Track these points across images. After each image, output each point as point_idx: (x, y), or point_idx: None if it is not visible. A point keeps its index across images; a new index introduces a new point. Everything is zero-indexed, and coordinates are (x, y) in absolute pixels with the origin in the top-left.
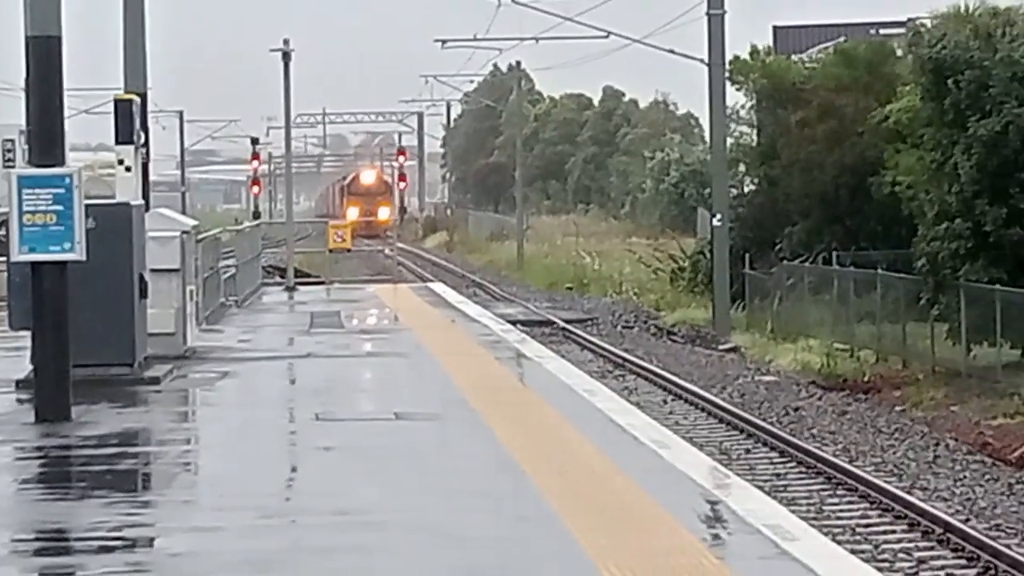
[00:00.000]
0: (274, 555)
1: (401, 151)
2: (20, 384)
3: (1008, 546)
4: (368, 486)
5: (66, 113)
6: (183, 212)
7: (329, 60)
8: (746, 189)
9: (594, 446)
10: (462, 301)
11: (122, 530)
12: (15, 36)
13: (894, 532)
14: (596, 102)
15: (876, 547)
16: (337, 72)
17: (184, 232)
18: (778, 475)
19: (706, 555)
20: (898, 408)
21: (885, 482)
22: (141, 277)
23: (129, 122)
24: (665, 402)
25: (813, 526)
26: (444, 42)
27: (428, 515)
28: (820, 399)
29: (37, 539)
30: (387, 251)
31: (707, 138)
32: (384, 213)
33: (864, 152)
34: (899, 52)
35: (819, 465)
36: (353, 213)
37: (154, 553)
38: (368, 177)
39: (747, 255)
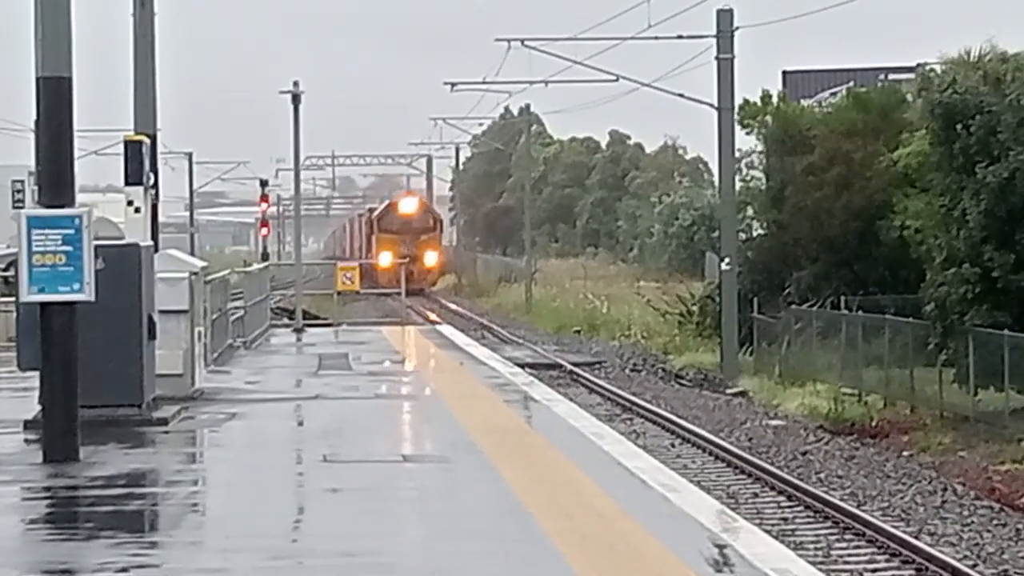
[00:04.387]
0: None
1: (410, 193)
2: (28, 424)
3: None
4: (376, 528)
5: (76, 154)
6: (191, 253)
7: (338, 102)
8: (755, 233)
9: (601, 489)
10: (470, 344)
11: (129, 571)
12: (26, 77)
13: None
14: (603, 145)
15: None
16: (346, 114)
17: (193, 273)
18: (786, 519)
19: None
20: (906, 453)
21: (893, 527)
22: (150, 318)
23: (139, 163)
24: (673, 446)
25: (821, 570)
26: (454, 85)
27: (435, 557)
28: (828, 443)
29: None
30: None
31: (716, 182)
32: (431, 258)
33: (872, 197)
34: (909, 97)
35: (827, 509)
36: (386, 259)
37: None
38: (408, 206)
39: (755, 299)
